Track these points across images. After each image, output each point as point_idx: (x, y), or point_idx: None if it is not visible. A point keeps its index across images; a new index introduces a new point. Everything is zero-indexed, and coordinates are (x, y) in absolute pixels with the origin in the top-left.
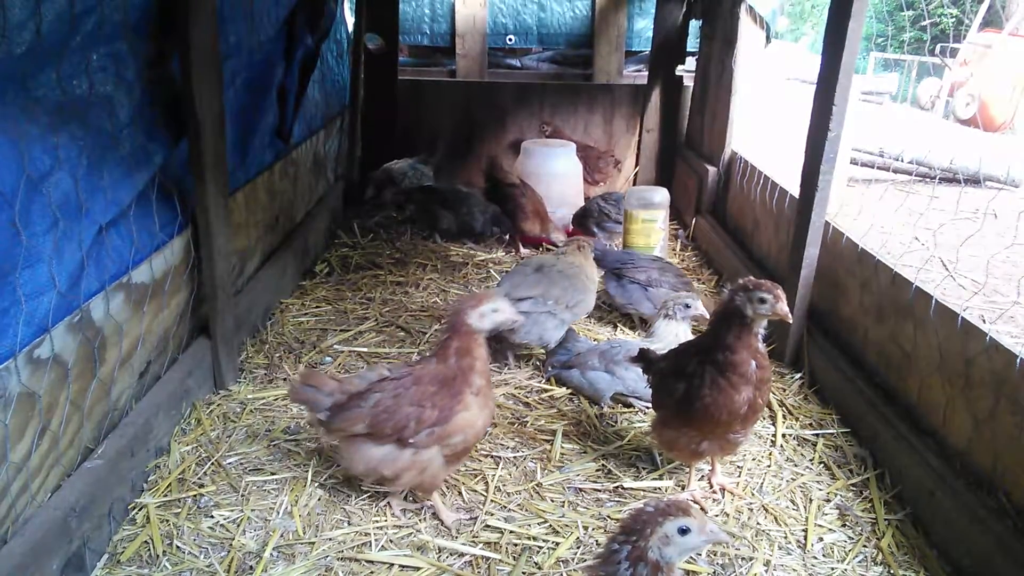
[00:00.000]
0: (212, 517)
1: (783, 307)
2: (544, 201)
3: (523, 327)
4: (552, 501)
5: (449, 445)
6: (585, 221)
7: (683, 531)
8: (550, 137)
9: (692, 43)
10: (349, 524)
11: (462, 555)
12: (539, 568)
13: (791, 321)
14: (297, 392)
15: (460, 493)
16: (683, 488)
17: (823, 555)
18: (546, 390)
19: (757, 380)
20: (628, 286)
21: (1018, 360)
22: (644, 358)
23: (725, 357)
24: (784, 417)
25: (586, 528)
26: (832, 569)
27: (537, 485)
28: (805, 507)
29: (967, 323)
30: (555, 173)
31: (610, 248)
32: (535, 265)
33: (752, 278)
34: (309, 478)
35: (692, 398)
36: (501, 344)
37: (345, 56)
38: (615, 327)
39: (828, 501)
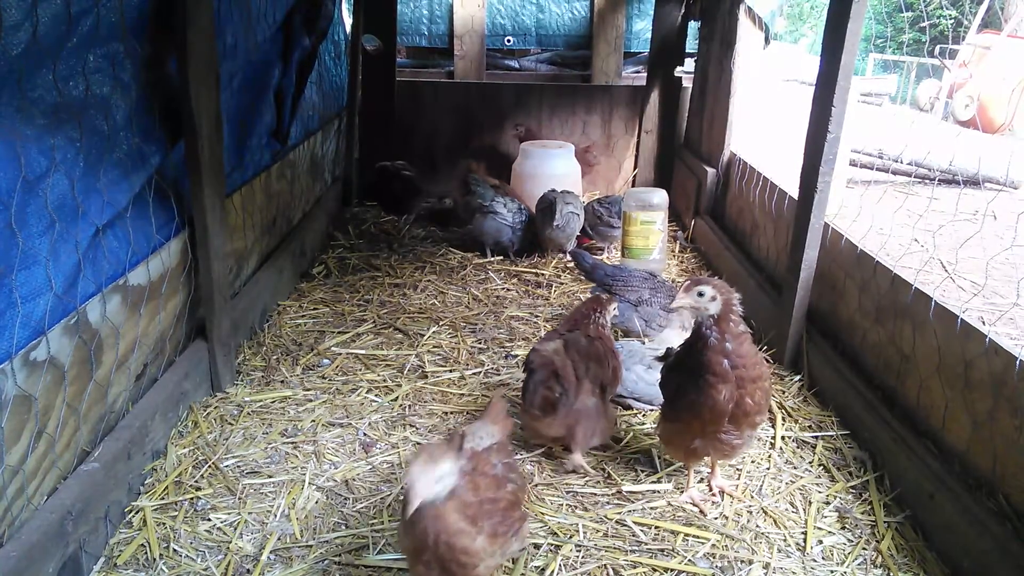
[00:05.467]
0: (209, 520)
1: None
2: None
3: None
4: (551, 504)
5: None
6: None
7: None
8: (523, 139)
9: (691, 44)
10: (347, 527)
11: None
12: (538, 571)
13: (673, 308)
14: None
15: None
16: (682, 491)
17: (823, 558)
18: None
19: (738, 379)
20: (619, 304)
21: (1017, 362)
22: (667, 355)
23: (700, 356)
24: (783, 419)
25: (585, 530)
26: (832, 572)
27: (535, 488)
28: (804, 510)
29: (966, 325)
30: (554, 174)
31: (601, 262)
32: None
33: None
34: (307, 481)
35: (682, 394)
36: None
37: (343, 57)
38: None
39: (827, 504)
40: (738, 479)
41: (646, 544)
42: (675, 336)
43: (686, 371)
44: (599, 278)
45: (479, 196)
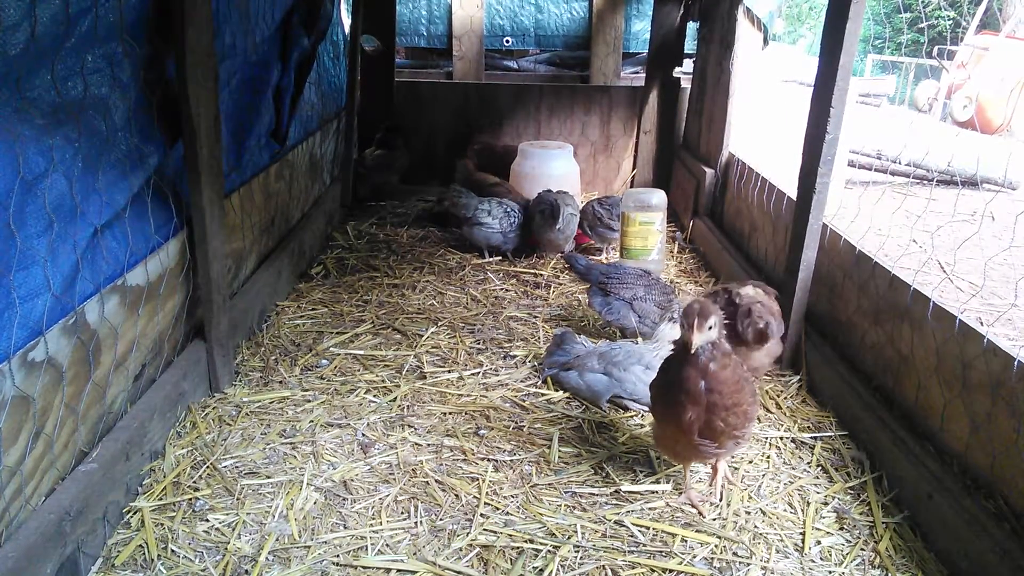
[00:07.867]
0: (207, 521)
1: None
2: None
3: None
4: (549, 504)
5: None
6: (580, 225)
7: None
8: (480, 151)
9: (690, 45)
10: (345, 528)
11: (459, 558)
12: (537, 572)
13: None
14: None
15: (457, 495)
16: (680, 492)
17: (821, 559)
18: (543, 393)
19: (710, 404)
20: (614, 302)
21: (1015, 363)
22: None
23: (680, 368)
24: (782, 420)
25: (584, 531)
26: (830, 573)
27: (534, 488)
28: (803, 510)
29: (965, 326)
30: (553, 174)
31: (595, 263)
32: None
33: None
34: (305, 481)
35: (660, 398)
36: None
37: (342, 58)
38: (615, 335)
39: (826, 504)
40: (737, 480)
41: (644, 545)
42: (673, 332)
43: (668, 377)
44: (594, 279)
45: (463, 207)
